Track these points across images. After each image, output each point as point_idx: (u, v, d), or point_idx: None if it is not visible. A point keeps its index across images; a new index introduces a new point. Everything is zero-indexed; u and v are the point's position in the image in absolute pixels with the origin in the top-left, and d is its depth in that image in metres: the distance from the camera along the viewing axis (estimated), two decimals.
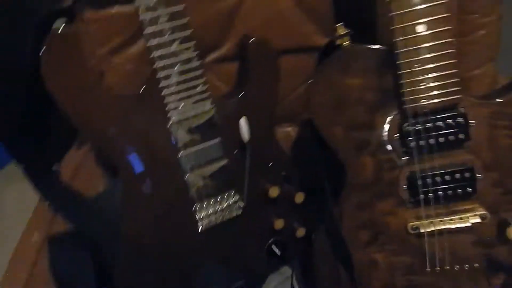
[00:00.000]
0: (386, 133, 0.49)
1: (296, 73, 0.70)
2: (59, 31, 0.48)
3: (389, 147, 0.49)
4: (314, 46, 0.67)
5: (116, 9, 0.61)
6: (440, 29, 0.42)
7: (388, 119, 0.48)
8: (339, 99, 0.48)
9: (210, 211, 0.62)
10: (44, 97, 0.60)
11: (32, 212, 0.73)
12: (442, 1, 0.41)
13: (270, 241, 0.70)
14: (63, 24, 0.48)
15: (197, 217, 0.62)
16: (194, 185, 0.60)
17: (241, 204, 0.64)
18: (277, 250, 0.70)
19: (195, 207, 0.61)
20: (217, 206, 0.63)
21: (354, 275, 0.55)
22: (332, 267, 0.58)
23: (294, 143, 0.74)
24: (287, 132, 0.77)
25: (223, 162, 0.61)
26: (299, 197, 0.67)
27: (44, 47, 0.47)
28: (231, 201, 0.64)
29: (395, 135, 0.48)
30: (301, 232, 0.70)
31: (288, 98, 0.72)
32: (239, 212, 0.64)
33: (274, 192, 0.65)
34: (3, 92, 0.57)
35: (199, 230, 0.63)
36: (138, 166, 0.58)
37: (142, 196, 0.59)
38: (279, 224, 0.68)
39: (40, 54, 0.47)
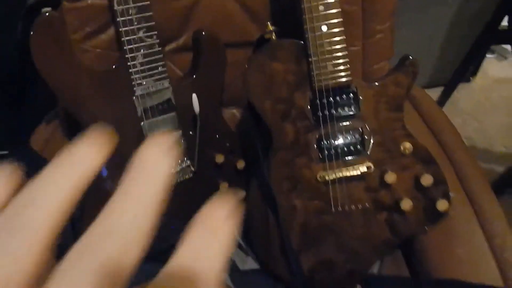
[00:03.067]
0: (302, 106, 0.65)
1: (240, 63, 0.83)
2: (46, 15, 0.59)
3: (304, 117, 0.65)
4: (254, 41, 0.82)
5: (89, 1, 0.72)
6: (337, 29, 0.59)
7: (303, 95, 0.64)
8: (267, 80, 0.63)
9: None
10: (25, 75, 0.70)
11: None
12: (338, 10, 0.58)
13: None
14: (49, 9, 0.60)
15: None
16: None
17: (192, 168, 0.76)
18: None
19: None
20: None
21: (279, 217, 0.69)
22: (262, 214, 0.71)
23: (239, 121, 0.88)
24: (233, 113, 0.90)
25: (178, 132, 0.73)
26: (240, 164, 0.80)
27: (33, 27, 0.58)
28: (183, 165, 0.75)
29: (308, 107, 0.65)
30: (242, 193, 0.78)
31: (233, 84, 0.84)
32: (191, 175, 0.76)
33: (219, 159, 0.77)
34: None
35: None
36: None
37: (109, 160, 0.71)
38: (224, 186, 0.79)
39: (30, 33, 0.58)
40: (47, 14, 0.58)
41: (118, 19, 0.62)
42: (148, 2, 0.63)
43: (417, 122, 0.83)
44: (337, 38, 0.59)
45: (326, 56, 0.60)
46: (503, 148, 1.51)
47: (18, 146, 0.81)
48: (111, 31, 0.75)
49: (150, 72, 0.68)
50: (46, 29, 0.59)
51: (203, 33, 0.72)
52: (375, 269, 0.75)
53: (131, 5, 0.62)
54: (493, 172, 1.34)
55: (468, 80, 1.71)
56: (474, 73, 1.71)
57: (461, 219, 0.69)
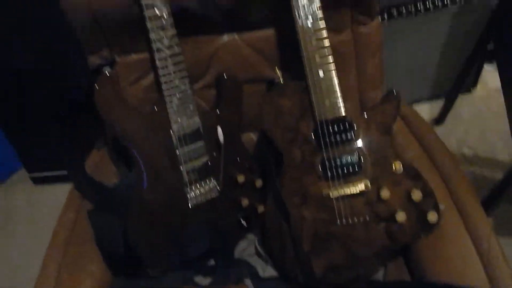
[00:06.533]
0: (306, 133, 0.78)
1: (255, 95, 0.92)
2: (106, 73, 0.76)
3: (308, 142, 0.78)
4: (267, 77, 0.93)
5: (133, 56, 0.88)
6: (331, 73, 0.73)
7: (307, 124, 0.77)
8: (277, 113, 0.77)
9: (197, 193, 0.85)
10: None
11: (66, 198, 0.93)
12: (332, 60, 0.72)
13: (239, 216, 0.91)
14: (108, 69, 0.76)
15: (188, 197, 0.83)
16: (186, 174, 0.83)
17: (218, 188, 0.86)
18: (244, 223, 0.91)
19: (186, 190, 0.83)
20: (201, 189, 0.85)
21: (292, 227, 0.80)
22: (278, 225, 0.82)
23: (256, 144, 1.01)
24: (250, 137, 1.02)
25: (206, 158, 0.85)
26: (258, 182, 0.91)
27: (97, 83, 0.75)
28: (211, 185, 0.86)
29: (311, 135, 0.78)
30: (261, 208, 0.90)
31: (250, 112, 0.94)
32: (217, 193, 0.87)
33: (240, 178, 0.88)
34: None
35: (189, 207, 0.83)
36: (150, 160, 0.82)
37: (152, 180, 0.82)
38: (245, 202, 0.88)
39: (95, 87, 0.75)
40: (107, 72, 0.75)
41: (159, 72, 0.77)
42: (183, 58, 0.78)
43: (408, 138, 0.93)
44: (332, 81, 0.73)
45: (324, 94, 0.74)
46: (506, 155, 1.55)
47: (75, 168, 0.92)
48: (149, 77, 0.90)
49: (184, 111, 0.81)
50: (106, 83, 0.76)
51: (224, 76, 0.86)
52: (380, 275, 0.85)
53: (169, 61, 0.77)
54: (496, 180, 1.35)
55: (468, 91, 1.79)
56: (474, 83, 1.79)
57: (450, 225, 0.78)
